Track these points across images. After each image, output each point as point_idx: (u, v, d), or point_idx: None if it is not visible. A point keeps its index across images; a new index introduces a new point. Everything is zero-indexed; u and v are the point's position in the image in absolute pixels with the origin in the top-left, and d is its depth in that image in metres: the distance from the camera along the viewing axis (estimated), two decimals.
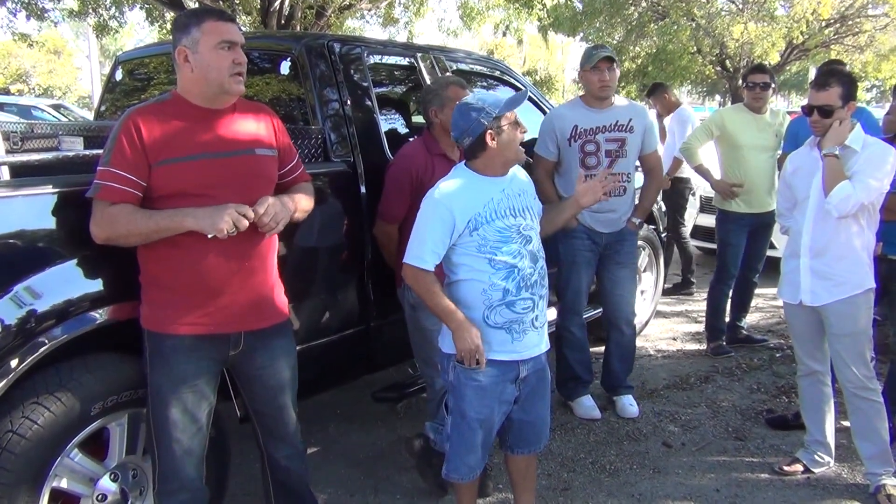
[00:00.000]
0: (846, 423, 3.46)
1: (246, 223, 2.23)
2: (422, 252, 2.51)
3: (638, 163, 4.06)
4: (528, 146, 4.20)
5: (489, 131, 2.50)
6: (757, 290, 5.29)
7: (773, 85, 4.81)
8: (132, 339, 2.41)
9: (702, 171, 4.99)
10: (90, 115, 14.58)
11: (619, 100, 4.02)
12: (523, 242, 2.55)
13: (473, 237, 2.50)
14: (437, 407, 3.32)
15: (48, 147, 3.65)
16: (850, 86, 3.13)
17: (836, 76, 3.17)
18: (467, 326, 2.49)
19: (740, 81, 5.27)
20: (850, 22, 17.92)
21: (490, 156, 2.54)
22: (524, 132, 2.59)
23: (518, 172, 2.71)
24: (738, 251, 4.92)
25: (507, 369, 2.59)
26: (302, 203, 2.53)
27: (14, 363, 2.20)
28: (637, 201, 4.10)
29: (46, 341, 2.26)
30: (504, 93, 4.43)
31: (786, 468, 3.46)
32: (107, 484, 2.47)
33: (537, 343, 2.64)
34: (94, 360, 2.43)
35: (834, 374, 3.35)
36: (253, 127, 2.43)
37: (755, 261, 5.05)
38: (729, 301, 5.18)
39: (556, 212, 2.91)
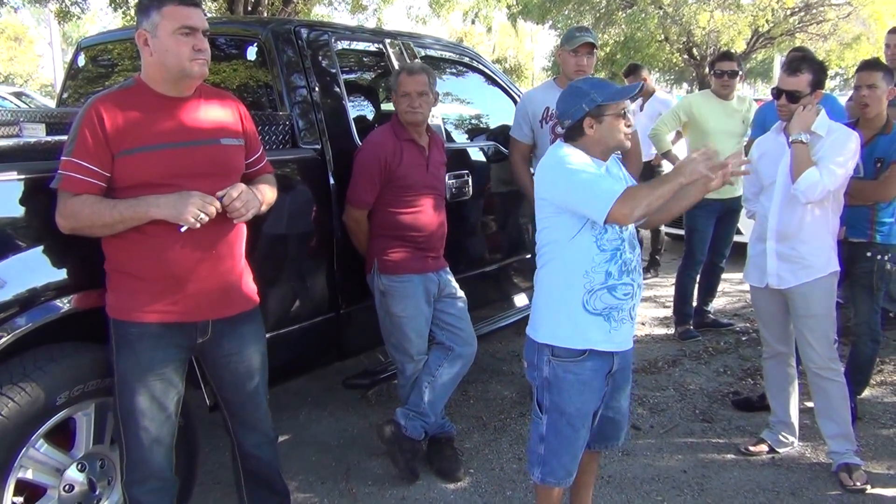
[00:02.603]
0: (810, 405, 3.53)
1: (213, 211, 2.21)
2: (611, 186, 2.33)
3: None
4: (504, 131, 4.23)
5: (588, 118, 2.40)
6: (723, 275, 5.36)
7: (740, 72, 4.87)
8: (98, 328, 2.37)
9: (670, 158, 5.04)
10: (52, 104, 14.31)
11: None
12: (622, 228, 2.42)
13: None
14: (408, 393, 3.33)
15: (9, 134, 3.58)
16: (820, 74, 3.18)
17: (807, 63, 3.21)
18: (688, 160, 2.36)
19: (707, 69, 5.32)
20: (814, 11, 18.19)
21: (587, 143, 2.43)
22: (629, 126, 2.45)
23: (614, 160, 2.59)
24: (706, 237, 5.00)
25: (604, 362, 2.46)
26: (267, 195, 2.50)
27: None
28: None
29: (9, 331, 2.22)
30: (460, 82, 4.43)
31: (751, 448, 3.52)
32: (74, 474, 2.44)
33: (630, 335, 2.52)
34: (59, 350, 2.39)
35: (798, 355, 3.41)
36: (219, 115, 2.40)
37: (722, 246, 5.12)
38: (696, 286, 5.25)
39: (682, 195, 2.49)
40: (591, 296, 2.39)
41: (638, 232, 6.59)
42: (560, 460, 2.50)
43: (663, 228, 7.29)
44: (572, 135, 2.46)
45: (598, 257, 2.38)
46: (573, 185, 2.36)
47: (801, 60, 3.25)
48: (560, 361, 2.44)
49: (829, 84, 4.00)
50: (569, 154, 2.41)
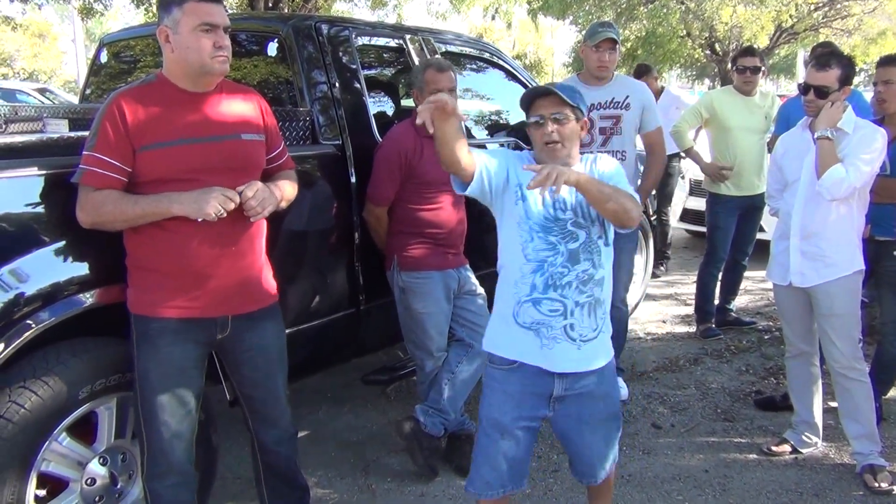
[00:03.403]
0: (833, 404, 3.48)
1: (232, 206, 2.21)
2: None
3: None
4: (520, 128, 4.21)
5: (530, 126, 2.33)
6: (746, 273, 5.31)
7: (763, 68, 4.81)
8: (120, 323, 2.39)
9: (692, 154, 4.99)
10: (76, 100, 14.45)
11: (619, 77, 4.00)
12: (566, 239, 2.26)
13: (518, 206, 2.27)
14: (427, 390, 3.33)
15: (33, 129, 3.61)
16: (848, 69, 3.13)
17: (836, 58, 3.17)
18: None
19: (730, 65, 5.26)
20: (838, 5, 17.93)
21: (535, 148, 2.36)
22: (548, 133, 2.27)
23: (603, 167, 2.38)
24: (728, 234, 4.94)
25: (538, 380, 2.31)
26: (287, 191, 2.50)
27: (0, 347, 2.18)
28: (639, 183, 4.06)
29: (33, 325, 2.23)
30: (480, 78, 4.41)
31: (774, 449, 3.49)
32: (96, 468, 2.46)
33: (576, 358, 2.30)
34: (81, 344, 2.41)
35: (822, 355, 3.37)
36: (240, 110, 2.40)
37: (745, 244, 5.06)
38: (718, 284, 5.20)
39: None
40: (519, 307, 2.29)
41: (664, 227, 6.58)
42: (478, 470, 2.39)
43: (672, 224, 7.25)
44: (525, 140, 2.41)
45: (524, 267, 2.27)
46: None
47: (829, 55, 3.21)
48: (492, 368, 2.38)
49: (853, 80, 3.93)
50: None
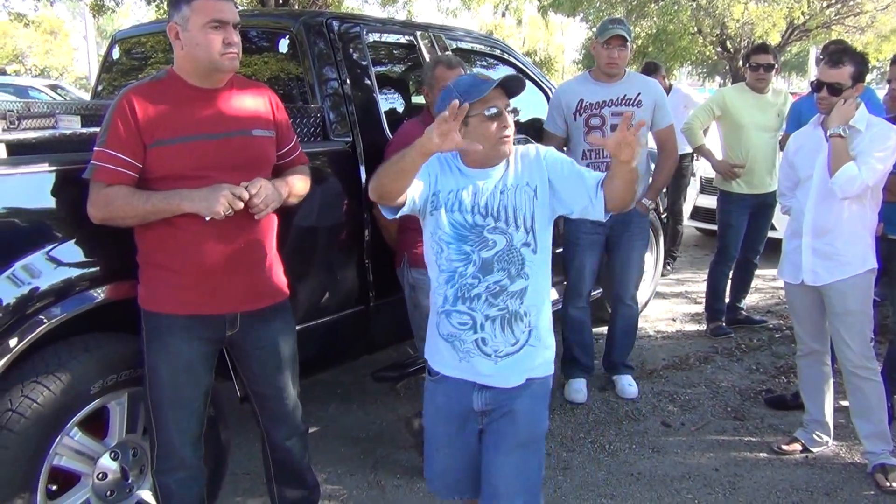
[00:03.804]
0: (845, 403, 3.46)
1: (241, 204, 2.22)
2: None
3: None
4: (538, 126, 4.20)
5: (479, 117, 2.06)
6: (757, 271, 5.28)
7: (776, 66, 4.78)
8: (131, 318, 2.40)
9: (703, 152, 4.96)
10: (87, 97, 14.51)
11: (631, 74, 3.99)
12: (480, 247, 2.09)
13: (432, 216, 2.12)
14: None
15: (45, 126, 3.62)
16: (862, 66, 3.11)
17: (849, 55, 3.14)
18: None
19: (741, 62, 5.23)
20: (851, 2, 17.82)
21: (464, 152, 2.12)
22: (505, 126, 2.09)
23: (526, 164, 2.19)
24: (739, 232, 4.92)
25: (459, 393, 2.18)
26: (297, 187, 2.49)
27: (13, 342, 2.19)
28: (650, 181, 4.05)
29: (45, 320, 2.25)
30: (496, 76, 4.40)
31: (784, 447, 3.47)
32: (107, 462, 2.47)
33: (491, 373, 2.14)
34: (93, 340, 2.42)
35: (833, 353, 3.35)
36: (251, 106, 2.40)
37: (756, 242, 5.04)
38: (729, 282, 5.18)
39: (611, 182, 2.14)
40: (438, 318, 2.19)
41: (677, 224, 6.55)
42: (432, 468, 2.34)
43: (685, 222, 7.21)
44: None
45: (439, 277, 2.15)
46: None
47: (842, 52, 3.19)
48: (428, 378, 2.29)
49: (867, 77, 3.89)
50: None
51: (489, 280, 2.10)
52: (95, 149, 2.20)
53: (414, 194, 2.07)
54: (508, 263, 2.11)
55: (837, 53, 3.19)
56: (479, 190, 2.11)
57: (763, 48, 4.88)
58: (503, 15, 15.63)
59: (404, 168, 1.96)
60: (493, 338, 2.12)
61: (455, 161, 2.16)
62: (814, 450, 3.46)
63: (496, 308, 2.11)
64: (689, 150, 6.00)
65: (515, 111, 2.15)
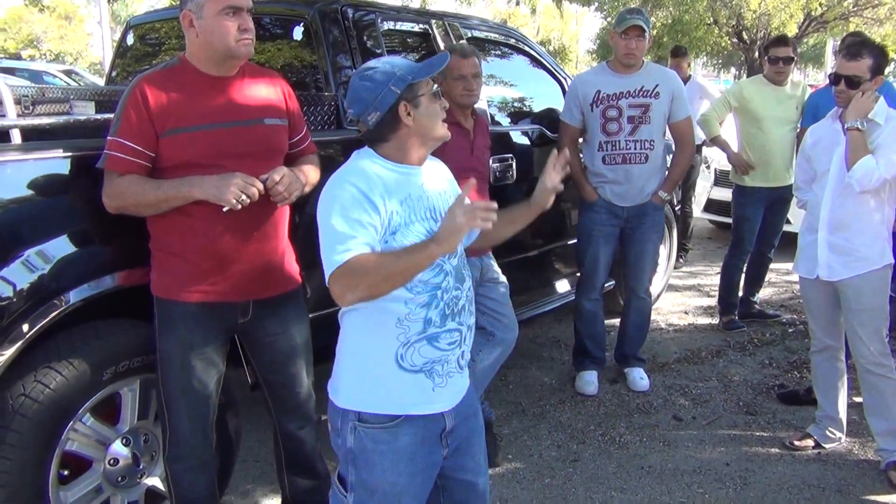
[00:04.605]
0: (858, 399, 3.44)
1: (255, 192, 2.20)
2: (346, 246, 1.75)
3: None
4: (554, 116, 4.17)
5: (403, 103, 1.86)
6: (771, 265, 5.24)
7: (795, 59, 4.72)
8: (144, 305, 2.40)
9: (719, 143, 4.91)
10: (101, 82, 14.55)
11: (649, 65, 3.95)
12: (446, 256, 1.87)
13: (388, 244, 1.82)
14: None
15: (59, 111, 3.63)
16: (881, 59, 3.07)
17: (868, 48, 3.10)
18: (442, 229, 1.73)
19: (757, 53, 5.12)
20: None
21: (404, 136, 1.89)
22: (445, 107, 1.97)
23: (435, 163, 2.07)
24: (754, 226, 4.87)
25: (430, 426, 1.92)
26: (311, 177, 2.49)
27: (26, 328, 2.20)
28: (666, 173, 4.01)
29: (59, 306, 2.26)
30: (505, 64, 4.36)
31: (797, 443, 3.45)
32: (119, 448, 2.49)
33: (462, 386, 1.99)
34: (105, 326, 2.43)
35: (847, 349, 3.32)
36: (263, 94, 2.39)
37: (771, 236, 4.99)
38: (743, 276, 5.14)
39: (518, 213, 2.15)
40: (406, 349, 1.86)
41: (686, 218, 6.51)
42: None
43: (696, 214, 7.17)
44: (383, 131, 1.88)
45: (411, 302, 1.85)
46: (323, 228, 1.83)
47: (861, 45, 3.14)
48: (368, 429, 1.88)
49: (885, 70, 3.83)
50: (359, 182, 1.82)
51: (465, 287, 1.96)
52: (108, 138, 2.20)
53: (372, 244, 1.78)
54: (467, 268, 2.02)
55: (856, 46, 3.14)
56: (424, 192, 1.91)
57: (783, 40, 4.81)
58: (517, 3, 15.55)
59: (418, 273, 1.78)
60: (469, 348, 1.99)
61: (382, 162, 1.90)
62: (826, 446, 3.43)
63: (472, 316, 1.99)
64: (698, 140, 5.96)
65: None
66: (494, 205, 1.76)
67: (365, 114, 1.87)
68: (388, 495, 1.90)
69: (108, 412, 2.48)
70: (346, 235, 1.75)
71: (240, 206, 2.18)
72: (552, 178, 2.09)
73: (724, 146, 4.89)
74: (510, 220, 2.13)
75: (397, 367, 1.87)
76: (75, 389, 2.30)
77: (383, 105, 1.85)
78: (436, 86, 1.94)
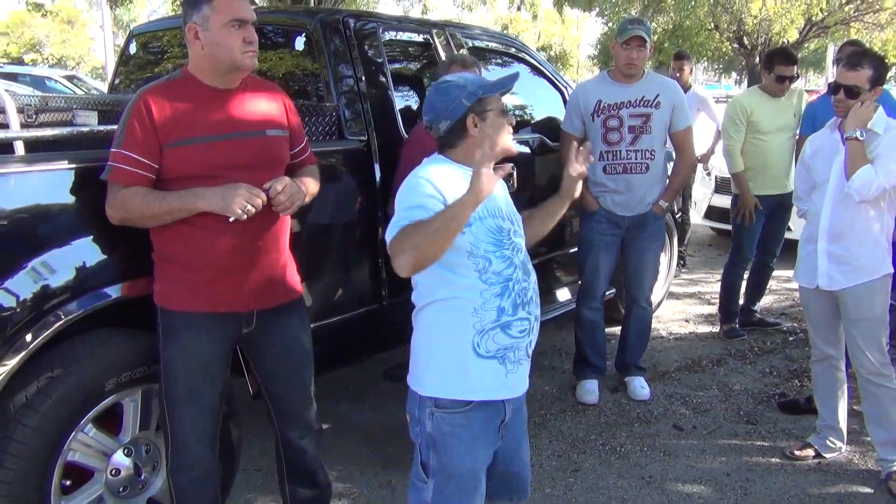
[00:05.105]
0: (859, 409, 3.44)
1: (259, 203, 2.22)
2: (402, 221, 1.93)
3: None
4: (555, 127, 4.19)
5: (472, 115, 2.06)
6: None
7: (798, 75, 4.69)
8: (146, 315, 2.41)
9: (739, 179, 4.72)
10: (104, 86, 14.58)
11: (650, 74, 3.96)
12: (514, 250, 2.10)
13: (465, 236, 1.98)
14: None
15: (62, 121, 3.64)
16: (880, 69, 3.08)
17: (868, 58, 3.11)
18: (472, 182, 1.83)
19: (762, 64, 5.04)
20: None
21: (471, 144, 2.05)
22: (511, 124, 2.15)
23: None
24: (755, 233, 4.86)
25: (496, 412, 2.11)
26: (311, 187, 2.51)
27: (29, 337, 2.20)
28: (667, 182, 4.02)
29: (62, 316, 2.26)
30: (504, 73, 4.37)
31: (797, 453, 3.45)
32: (120, 459, 2.49)
33: (526, 377, 2.18)
34: (108, 336, 2.44)
35: (848, 359, 3.33)
36: (264, 107, 2.41)
37: (772, 244, 4.98)
38: (744, 284, 5.14)
39: (552, 206, 2.36)
40: (482, 337, 2.03)
41: (684, 225, 6.52)
42: None
43: (698, 221, 7.15)
44: (452, 139, 2.08)
45: (486, 292, 2.03)
46: (400, 209, 1.98)
47: (861, 55, 3.16)
48: (445, 414, 2.06)
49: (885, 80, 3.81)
50: (430, 176, 2.02)
51: (531, 280, 2.14)
52: (112, 150, 2.21)
53: None
54: (528, 261, 2.17)
55: (856, 56, 3.15)
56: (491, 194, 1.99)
57: (790, 58, 4.71)
58: (518, 9, 15.57)
59: (458, 227, 1.87)
60: (535, 339, 2.17)
61: (450, 164, 2.09)
62: (827, 456, 3.44)
63: (538, 308, 2.17)
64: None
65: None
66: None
67: (437, 121, 2.09)
68: (465, 479, 2.08)
69: (110, 422, 2.49)
70: (407, 215, 1.92)
71: (245, 217, 2.19)
72: (575, 167, 2.27)
73: (742, 183, 4.71)
74: (547, 213, 2.36)
75: (474, 353, 2.04)
76: (78, 400, 2.31)
77: (454, 115, 2.06)
78: (505, 103, 2.11)
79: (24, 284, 2.20)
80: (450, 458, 2.07)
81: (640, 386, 4.13)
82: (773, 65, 4.69)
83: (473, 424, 2.07)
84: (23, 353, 2.20)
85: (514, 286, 2.07)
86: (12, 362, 2.18)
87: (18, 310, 2.18)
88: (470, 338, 2.04)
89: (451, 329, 2.06)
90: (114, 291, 2.39)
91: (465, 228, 1.93)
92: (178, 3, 12.26)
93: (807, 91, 5.43)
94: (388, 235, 1.95)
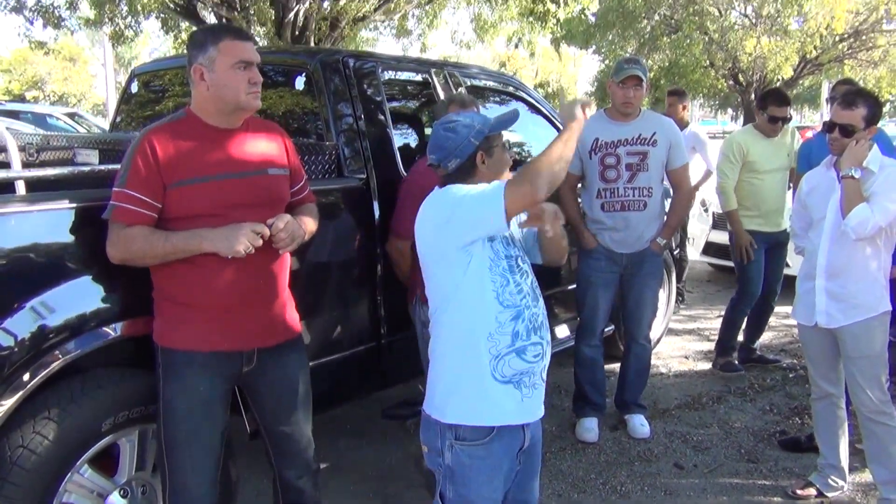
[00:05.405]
0: (861, 447, 3.42)
1: (261, 242, 2.24)
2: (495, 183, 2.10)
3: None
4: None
5: (480, 152, 2.18)
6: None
7: (791, 117, 4.75)
8: (144, 355, 2.40)
9: (733, 217, 4.75)
10: (104, 123, 14.68)
11: (647, 113, 4.00)
12: (523, 276, 2.18)
13: (489, 247, 2.11)
14: None
15: (63, 159, 3.67)
16: (875, 108, 3.12)
17: (863, 97, 3.15)
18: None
19: (753, 96, 5.08)
20: (863, 37, 17.91)
21: (479, 179, 2.19)
22: (513, 157, 2.31)
23: None
24: (760, 267, 4.78)
25: (515, 438, 2.16)
26: (309, 225, 2.53)
27: (26, 377, 2.19)
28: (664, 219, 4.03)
29: (60, 356, 2.26)
30: (502, 111, 4.42)
31: (799, 492, 3.42)
32: (116, 500, 2.46)
33: (541, 402, 2.22)
34: (106, 375, 2.43)
35: (848, 396, 3.31)
36: (265, 146, 2.44)
37: (774, 282, 4.95)
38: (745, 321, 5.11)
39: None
40: (498, 362, 2.09)
41: (681, 261, 6.53)
42: None
43: (696, 257, 7.14)
44: (462, 176, 2.18)
45: (501, 316, 2.10)
46: (459, 206, 2.09)
47: (857, 94, 3.19)
48: (465, 446, 2.10)
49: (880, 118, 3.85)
50: (447, 189, 2.18)
51: (540, 306, 2.20)
52: (115, 189, 2.22)
53: None
54: (537, 287, 2.23)
55: (851, 95, 3.19)
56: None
57: (782, 99, 4.75)
58: (516, 46, 15.73)
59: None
60: (547, 362, 2.21)
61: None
62: (829, 495, 3.40)
63: (549, 331, 2.22)
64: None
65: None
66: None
67: (446, 160, 2.18)
68: None
69: (106, 463, 2.46)
70: (487, 188, 2.08)
71: (245, 254, 2.21)
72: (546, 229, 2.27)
73: (735, 222, 4.73)
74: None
75: (491, 378, 2.09)
76: (74, 441, 2.29)
77: (463, 154, 2.16)
78: (506, 138, 2.23)
79: (23, 324, 2.19)
80: (468, 490, 2.11)
81: (640, 424, 4.10)
82: (766, 105, 4.73)
83: (493, 456, 2.11)
84: (20, 394, 2.19)
85: (526, 311, 2.13)
86: (9, 402, 2.17)
87: (17, 349, 2.17)
88: (487, 363, 2.09)
89: (467, 356, 2.12)
90: (113, 330, 2.39)
91: (486, 243, 2.10)
92: (179, 41, 12.40)
93: (802, 128, 5.48)
94: (498, 191, 2.01)
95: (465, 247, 2.10)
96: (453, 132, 2.17)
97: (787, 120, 4.71)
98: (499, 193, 2.01)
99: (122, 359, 2.51)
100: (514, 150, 4.59)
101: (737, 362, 5.08)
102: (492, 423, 2.09)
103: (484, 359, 2.09)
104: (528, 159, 4.52)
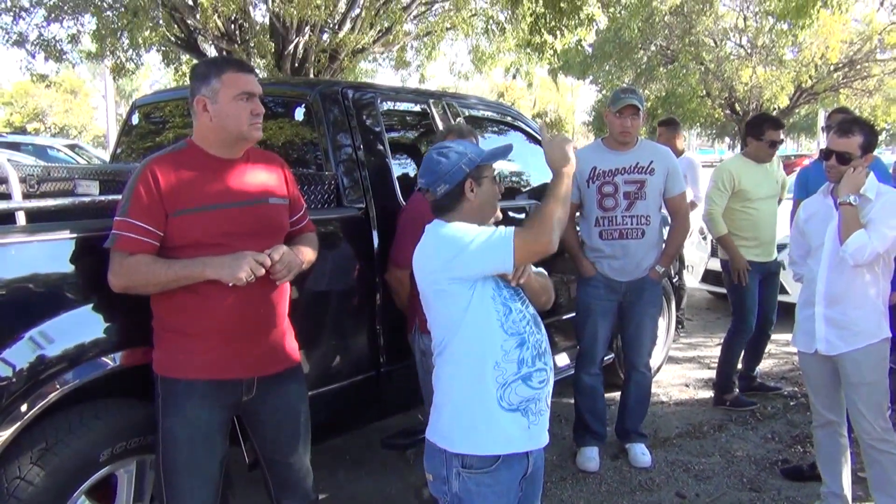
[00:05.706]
0: (864, 475, 3.39)
1: (263, 270, 2.25)
2: (501, 230, 2.13)
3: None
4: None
5: (469, 180, 2.19)
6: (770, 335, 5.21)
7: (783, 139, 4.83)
8: (141, 384, 2.40)
9: (725, 241, 4.74)
10: (105, 154, 14.76)
11: (644, 142, 4.03)
12: (524, 304, 2.22)
13: (490, 278, 2.14)
14: None
15: (64, 190, 3.69)
16: (871, 137, 3.15)
17: (859, 125, 3.18)
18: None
19: (747, 129, 5.11)
20: (858, 66, 18.10)
21: (466, 210, 2.20)
22: (501, 191, 2.29)
23: None
24: (755, 296, 4.79)
25: (520, 465, 2.17)
26: (307, 255, 2.54)
27: (24, 408, 2.19)
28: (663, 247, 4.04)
29: (58, 386, 2.25)
30: (502, 141, 4.46)
31: None
32: None
33: (546, 428, 2.22)
34: (103, 406, 2.42)
35: (850, 423, 3.30)
36: (267, 175, 2.46)
37: (770, 311, 4.93)
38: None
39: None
40: (505, 390, 2.10)
41: (680, 289, 6.53)
42: None
43: (695, 285, 7.12)
44: (448, 203, 2.20)
45: (506, 344, 2.12)
46: (464, 251, 2.10)
47: (853, 122, 3.23)
48: (472, 473, 2.11)
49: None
50: (451, 227, 2.17)
51: (542, 332, 2.22)
52: (117, 218, 2.24)
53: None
54: (537, 315, 2.25)
55: (847, 123, 3.22)
56: None
57: (778, 123, 4.80)
58: (514, 77, 15.87)
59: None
60: (551, 388, 2.22)
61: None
62: None
63: (552, 357, 2.25)
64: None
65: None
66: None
67: (435, 185, 2.20)
68: None
69: (103, 494, 2.44)
70: (495, 231, 2.11)
71: (246, 283, 2.22)
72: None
73: (729, 246, 4.72)
74: None
75: (498, 406, 2.10)
76: (72, 471, 2.28)
77: (453, 180, 2.17)
78: (497, 171, 2.25)
79: (21, 354, 2.19)
80: None
81: (641, 453, 4.07)
82: (764, 130, 4.73)
83: (500, 483, 2.12)
84: (18, 424, 2.18)
85: (530, 338, 2.16)
86: (7, 433, 2.16)
87: (15, 380, 2.17)
88: (494, 392, 2.10)
89: (474, 385, 2.13)
90: (112, 360, 2.39)
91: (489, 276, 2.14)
92: (180, 74, 12.50)
93: (799, 156, 5.54)
94: (508, 238, 2.07)
95: (468, 281, 2.12)
96: (445, 157, 2.19)
97: (781, 142, 4.77)
98: (508, 243, 2.06)
99: (120, 389, 2.50)
100: (512, 178, 4.63)
101: (741, 394, 5.02)
102: (499, 451, 2.11)
103: (491, 387, 2.11)
104: (525, 188, 4.55)
